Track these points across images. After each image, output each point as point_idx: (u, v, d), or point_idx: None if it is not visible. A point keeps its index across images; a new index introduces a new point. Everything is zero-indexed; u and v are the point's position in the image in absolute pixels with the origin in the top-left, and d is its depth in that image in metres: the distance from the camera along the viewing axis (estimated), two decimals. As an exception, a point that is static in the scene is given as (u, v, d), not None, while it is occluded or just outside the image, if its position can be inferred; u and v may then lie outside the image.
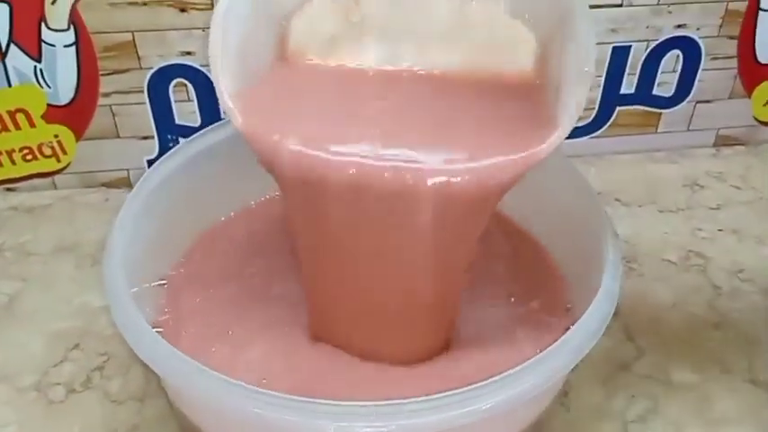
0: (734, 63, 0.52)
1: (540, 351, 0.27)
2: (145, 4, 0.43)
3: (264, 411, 0.25)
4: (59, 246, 0.46)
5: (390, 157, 0.28)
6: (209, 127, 0.39)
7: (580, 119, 0.51)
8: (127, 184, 0.50)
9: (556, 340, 0.27)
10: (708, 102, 0.53)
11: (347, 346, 0.33)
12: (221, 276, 0.38)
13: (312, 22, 0.32)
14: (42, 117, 0.47)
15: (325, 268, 0.32)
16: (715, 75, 0.52)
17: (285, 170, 0.29)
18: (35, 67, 0.45)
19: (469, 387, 0.25)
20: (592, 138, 0.53)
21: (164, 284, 0.37)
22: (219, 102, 0.30)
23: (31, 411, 0.36)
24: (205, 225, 0.41)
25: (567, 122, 0.28)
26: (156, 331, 0.29)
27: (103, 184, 0.50)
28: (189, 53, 0.46)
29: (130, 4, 0.43)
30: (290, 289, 0.36)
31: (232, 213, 0.42)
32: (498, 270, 0.38)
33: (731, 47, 0.51)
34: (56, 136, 0.48)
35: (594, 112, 0.52)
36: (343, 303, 0.32)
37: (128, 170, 0.50)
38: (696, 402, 0.37)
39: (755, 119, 0.55)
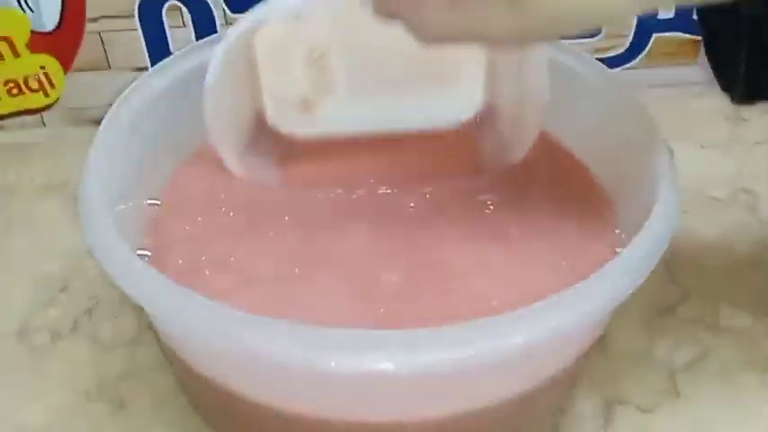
0: (785, -17, 0.47)
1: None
2: None
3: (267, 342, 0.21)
4: (47, 185, 0.42)
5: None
6: (195, 44, 0.35)
7: (613, 47, 0.48)
8: (120, 120, 0.46)
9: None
10: (754, 28, 0.48)
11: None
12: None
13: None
14: (27, 46, 0.43)
15: None
16: (763, -3, 0.47)
17: None
18: (15, -13, 0.41)
19: (495, 317, 0.21)
20: (625, 69, 0.49)
21: (151, 206, 0.33)
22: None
23: (12, 358, 0.33)
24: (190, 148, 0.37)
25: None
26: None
27: (95, 121, 0.46)
28: (183, -28, 0.42)
29: None
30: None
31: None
32: (543, 200, 0.34)
33: (782, -36, 0.46)
34: (42, 67, 0.44)
35: (629, 39, 0.48)
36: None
37: (120, 105, 0.46)
38: (747, 347, 0.33)
39: (806, 47, 0.50)
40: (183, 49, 0.34)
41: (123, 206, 0.29)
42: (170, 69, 0.33)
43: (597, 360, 0.32)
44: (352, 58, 0.32)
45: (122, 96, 0.31)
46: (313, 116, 0.33)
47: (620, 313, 0.33)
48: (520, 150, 0.33)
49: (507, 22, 0.21)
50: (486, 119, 0.34)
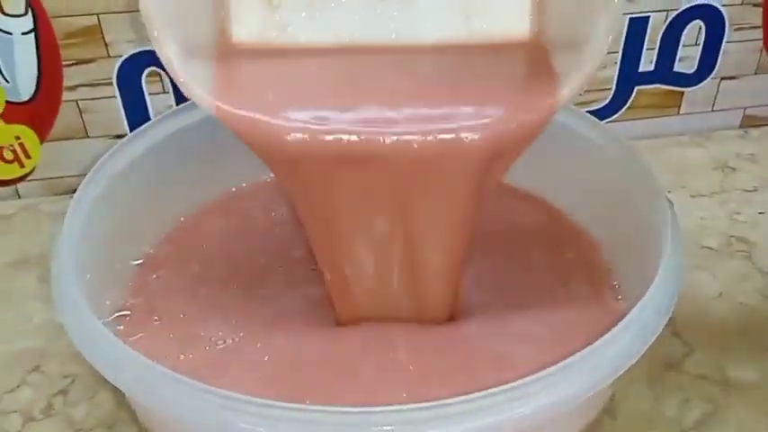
0: (760, 34, 0.47)
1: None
2: (110, -19, 0.39)
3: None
4: (22, 258, 0.41)
5: (404, 121, 0.24)
6: (171, 110, 0.34)
7: (595, 101, 0.48)
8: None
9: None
10: (733, 78, 0.49)
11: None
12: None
13: None
14: (1, 116, 0.42)
15: (343, 245, 0.27)
16: (740, 48, 0.48)
17: (292, 153, 0.24)
18: (-10, 58, 0.40)
19: (498, 389, 0.20)
20: (609, 122, 0.49)
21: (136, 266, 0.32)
22: (172, 76, 0.25)
23: (-20, 445, 0.31)
24: (167, 221, 0.36)
25: (594, 58, 0.25)
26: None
27: (72, 191, 0.45)
28: (162, 38, 0.41)
29: (94, -18, 0.39)
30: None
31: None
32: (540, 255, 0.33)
33: (756, 15, 0.46)
34: (17, 138, 0.43)
35: (612, 92, 0.48)
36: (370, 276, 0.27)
37: (99, 174, 0.45)
38: (761, 402, 0.31)
39: (785, 95, 0.50)
40: (160, 116, 0.33)
41: (100, 271, 0.28)
42: (146, 136, 0.32)
43: (604, 421, 0.31)
44: None
45: (97, 165, 0.31)
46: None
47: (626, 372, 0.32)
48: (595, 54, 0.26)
49: None
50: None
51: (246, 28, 0.28)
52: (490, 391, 0.20)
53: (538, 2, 0.28)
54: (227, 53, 0.28)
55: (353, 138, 0.24)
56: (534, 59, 0.28)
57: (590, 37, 0.25)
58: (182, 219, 0.37)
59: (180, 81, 0.25)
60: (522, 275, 0.32)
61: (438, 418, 0.20)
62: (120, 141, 0.33)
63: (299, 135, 0.24)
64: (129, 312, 0.32)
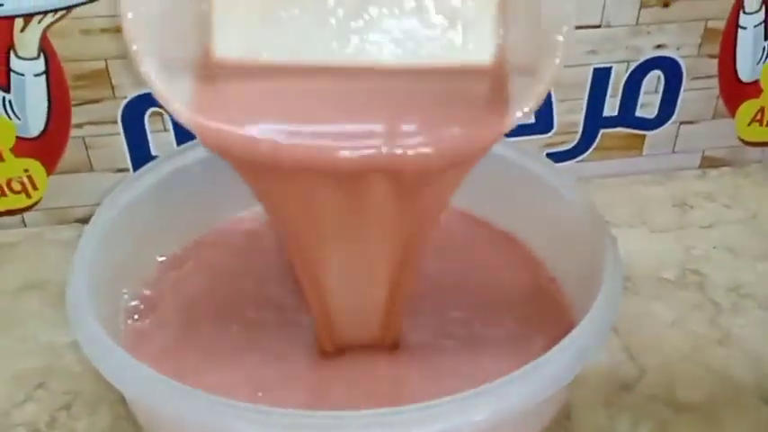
0: (716, 83, 0.51)
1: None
2: (118, 30, 0.42)
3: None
4: (26, 283, 0.44)
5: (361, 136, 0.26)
6: (177, 149, 0.38)
7: (564, 143, 0.52)
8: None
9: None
10: (692, 123, 0.53)
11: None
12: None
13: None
14: (11, 150, 0.45)
15: (317, 262, 0.30)
16: (697, 95, 0.52)
17: (257, 162, 0.26)
18: (3, 97, 0.44)
19: (461, 395, 0.23)
20: (577, 162, 0.52)
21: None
22: (151, 90, 0.26)
23: (-12, 456, 0.33)
24: (174, 247, 0.39)
25: (535, 96, 0.27)
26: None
27: (76, 220, 0.48)
28: (164, 81, 0.45)
29: (103, 30, 0.42)
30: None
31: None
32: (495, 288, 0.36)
33: (712, 66, 0.51)
34: (26, 170, 0.46)
35: (578, 135, 0.52)
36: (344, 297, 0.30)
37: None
38: (706, 423, 0.35)
39: (740, 139, 0.54)
40: (166, 154, 0.36)
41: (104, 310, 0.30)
42: (154, 172, 0.35)
43: (562, 437, 0.34)
44: None
45: (109, 197, 0.34)
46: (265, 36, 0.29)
47: (583, 390, 0.35)
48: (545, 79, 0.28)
49: None
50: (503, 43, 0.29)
51: (228, 46, 0.29)
52: (448, 399, 0.23)
53: (499, 31, 0.29)
54: (208, 69, 0.28)
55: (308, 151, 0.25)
56: (491, 84, 0.29)
57: (540, 67, 0.27)
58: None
59: (158, 95, 0.26)
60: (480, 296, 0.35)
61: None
62: (131, 175, 0.36)
63: (263, 146, 0.25)
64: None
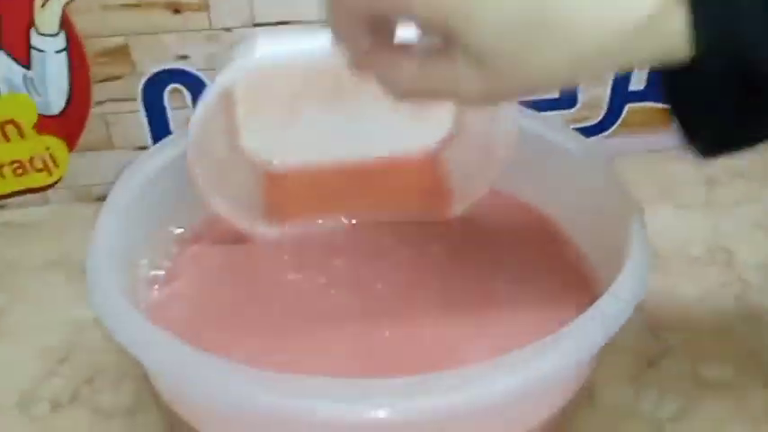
0: (745, 56, 0.50)
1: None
2: (138, 5, 0.42)
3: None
4: (50, 260, 0.44)
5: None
6: (181, 131, 0.37)
7: (589, 118, 0.51)
8: (121, 197, 0.48)
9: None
10: (720, 97, 0.51)
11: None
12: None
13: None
14: (33, 128, 0.46)
15: None
16: (726, 69, 0.50)
17: None
18: (24, 75, 0.44)
19: (486, 364, 0.23)
20: (603, 137, 0.51)
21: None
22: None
23: (13, 429, 0.34)
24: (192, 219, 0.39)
25: None
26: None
27: (98, 198, 0.48)
28: (184, 57, 0.44)
29: (123, 6, 0.42)
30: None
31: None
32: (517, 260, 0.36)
33: (742, 39, 0.49)
34: (47, 148, 0.47)
35: (604, 110, 0.50)
36: None
37: (122, 182, 0.48)
38: (733, 399, 0.34)
39: (771, 114, 0.53)
40: (181, 130, 0.36)
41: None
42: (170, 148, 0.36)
43: (586, 412, 0.33)
44: (323, 103, 0.34)
45: (127, 171, 0.34)
46: (285, 144, 0.35)
47: (607, 366, 0.34)
48: (486, 181, 0.36)
49: (477, 85, 0.23)
50: (455, 146, 0.37)
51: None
52: (471, 367, 0.22)
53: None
54: None
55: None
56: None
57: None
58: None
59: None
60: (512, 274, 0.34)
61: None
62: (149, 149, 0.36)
63: None
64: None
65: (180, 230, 0.36)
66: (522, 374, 0.22)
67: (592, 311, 0.25)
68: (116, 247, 0.30)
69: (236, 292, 0.34)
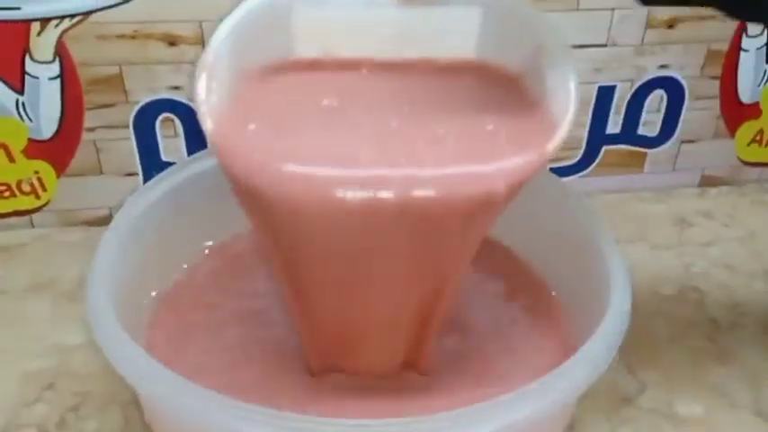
0: (717, 103, 0.52)
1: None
2: (133, 37, 0.43)
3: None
4: (35, 283, 0.44)
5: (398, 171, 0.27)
6: (190, 157, 0.38)
7: (567, 158, 0.53)
8: (109, 222, 0.48)
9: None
10: (692, 142, 0.54)
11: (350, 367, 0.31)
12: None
13: None
14: (23, 152, 0.46)
15: (319, 295, 0.30)
16: (699, 115, 0.53)
17: (293, 199, 0.27)
18: (17, 99, 0.44)
19: (468, 408, 0.24)
20: (580, 177, 0.53)
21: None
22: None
23: (-2, 455, 0.34)
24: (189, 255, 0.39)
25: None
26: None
27: (84, 222, 0.49)
28: (177, 88, 0.45)
29: (119, 36, 0.43)
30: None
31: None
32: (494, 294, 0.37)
33: (714, 87, 0.52)
34: (36, 172, 0.47)
35: (582, 150, 0.52)
36: (344, 326, 0.30)
37: (110, 208, 0.48)
38: (703, 435, 0.35)
39: (739, 159, 0.55)
40: (179, 163, 0.37)
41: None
42: (167, 181, 0.36)
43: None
44: None
45: (125, 204, 0.34)
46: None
47: (586, 403, 0.35)
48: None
49: None
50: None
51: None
52: (455, 411, 0.23)
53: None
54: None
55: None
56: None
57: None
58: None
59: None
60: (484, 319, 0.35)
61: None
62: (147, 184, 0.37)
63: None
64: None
65: (185, 265, 0.37)
66: (513, 416, 0.23)
67: (579, 355, 0.26)
68: (116, 279, 0.30)
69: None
